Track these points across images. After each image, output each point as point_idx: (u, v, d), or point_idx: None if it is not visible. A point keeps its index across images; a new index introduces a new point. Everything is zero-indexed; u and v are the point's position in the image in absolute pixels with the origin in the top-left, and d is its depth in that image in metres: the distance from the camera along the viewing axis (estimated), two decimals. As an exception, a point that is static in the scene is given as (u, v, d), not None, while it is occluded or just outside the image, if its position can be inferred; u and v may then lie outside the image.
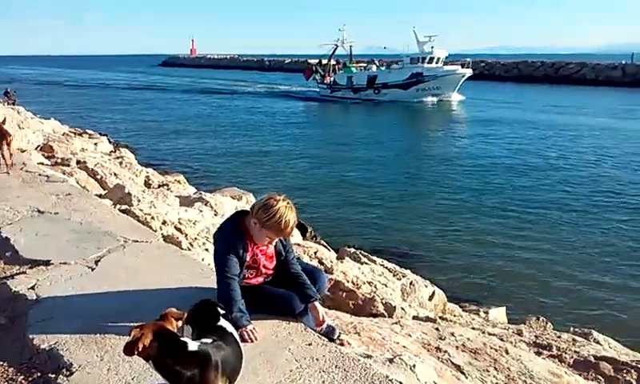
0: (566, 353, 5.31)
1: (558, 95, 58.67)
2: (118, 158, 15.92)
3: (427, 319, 6.05)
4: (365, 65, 59.72)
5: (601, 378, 4.90)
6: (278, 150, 27.37)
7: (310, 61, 66.20)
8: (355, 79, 55.82)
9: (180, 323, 2.84)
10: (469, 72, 51.44)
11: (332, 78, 58.11)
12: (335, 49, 60.90)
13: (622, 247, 13.51)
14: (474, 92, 54.77)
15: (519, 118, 39.39)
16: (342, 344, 3.95)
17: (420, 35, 53.48)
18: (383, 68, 57.14)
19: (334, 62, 60.84)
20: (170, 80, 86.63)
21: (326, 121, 43.34)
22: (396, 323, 5.17)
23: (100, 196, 8.75)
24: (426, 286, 7.46)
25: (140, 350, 2.56)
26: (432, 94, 51.12)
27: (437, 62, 52.11)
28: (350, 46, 61.54)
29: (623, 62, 77.79)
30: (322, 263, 7.00)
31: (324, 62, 61.30)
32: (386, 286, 6.84)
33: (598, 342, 6.27)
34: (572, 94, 59.59)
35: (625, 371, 4.96)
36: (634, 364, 5.15)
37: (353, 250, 8.66)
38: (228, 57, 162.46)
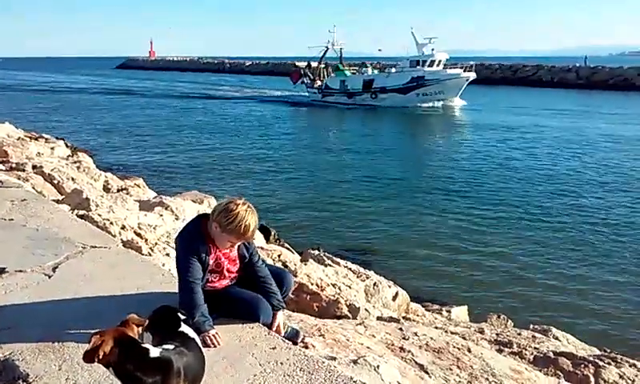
0: (526, 349, 5.42)
1: (517, 96, 59.95)
2: (75, 162, 15.56)
3: (391, 319, 6.08)
4: (356, 68, 57.31)
5: (560, 373, 5.01)
6: (244, 154, 27.07)
7: (297, 63, 63.29)
8: (349, 83, 53.51)
9: (141, 330, 2.79)
10: (472, 76, 49.44)
11: (324, 82, 55.57)
12: (326, 51, 57.80)
13: (578, 246, 13.85)
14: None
15: (483, 119, 40.17)
16: (306, 347, 3.94)
17: (419, 37, 51.65)
18: (377, 71, 55.26)
19: (323, 65, 58.14)
20: (129, 83, 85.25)
21: (311, 125, 42.08)
22: (360, 324, 5.19)
23: (57, 201, 8.53)
24: (390, 287, 7.51)
25: (100, 357, 2.50)
26: (434, 99, 49.27)
27: (438, 65, 49.98)
28: (341, 49, 58.63)
29: (577, 65, 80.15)
30: (285, 266, 6.97)
31: (313, 64, 58.47)
32: (350, 287, 6.86)
33: (557, 338, 6.42)
34: (530, 95, 60.86)
35: (583, 366, 5.08)
36: (591, 359, 5.28)
37: (317, 252, 8.66)
38: (188, 59, 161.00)
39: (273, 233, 12.33)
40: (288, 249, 10.18)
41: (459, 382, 4.32)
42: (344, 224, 15.66)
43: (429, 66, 49.34)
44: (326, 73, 57.09)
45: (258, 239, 9.84)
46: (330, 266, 7.82)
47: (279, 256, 7.96)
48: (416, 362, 4.45)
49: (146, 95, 63.02)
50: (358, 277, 7.46)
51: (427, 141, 33.41)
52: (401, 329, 5.27)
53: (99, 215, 7.19)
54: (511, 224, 15.61)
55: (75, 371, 3.27)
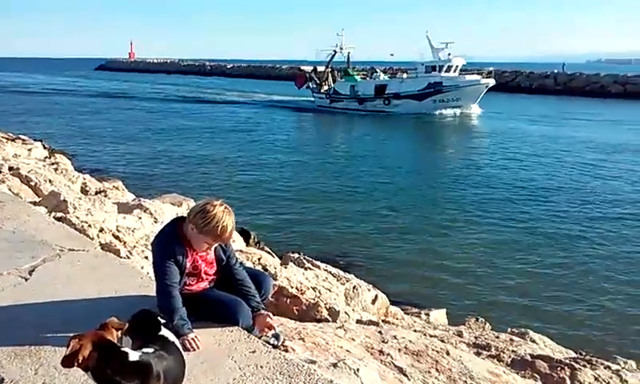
0: (504, 352, 5.46)
1: (497, 103, 60.44)
2: (53, 164, 15.37)
3: (370, 323, 6.10)
4: (365, 73, 55.18)
5: (537, 375, 5.06)
6: (226, 157, 26.85)
7: (302, 67, 62.03)
8: (360, 88, 51.05)
9: (120, 333, 2.77)
10: (491, 82, 47.57)
11: (332, 87, 53.30)
12: (334, 55, 55.29)
13: (556, 251, 14.02)
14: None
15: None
16: (286, 350, 3.94)
17: (435, 41, 49.61)
18: (387, 76, 53.15)
19: (330, 70, 55.65)
20: (109, 85, 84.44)
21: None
22: (340, 328, 5.19)
23: (34, 203, 8.42)
24: (369, 290, 7.52)
25: (80, 361, 2.48)
26: (451, 106, 47.15)
27: (454, 71, 48.12)
28: (349, 53, 56.21)
29: (555, 71, 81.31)
30: (265, 269, 6.94)
31: (319, 68, 56.55)
32: (330, 290, 6.86)
33: (534, 341, 6.49)
34: (508, 102, 61.32)
35: (559, 368, 5.14)
36: (567, 361, 5.35)
37: (297, 255, 8.64)
38: (168, 61, 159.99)
39: (252, 236, 12.29)
40: (268, 252, 10.15)
41: (438, 384, 4.35)
42: (324, 228, 15.67)
43: (446, 71, 47.57)
44: (332, 78, 54.94)
45: (238, 242, 9.80)
46: (310, 269, 7.82)
47: (259, 259, 7.93)
48: (395, 365, 4.47)
49: (126, 97, 62.31)
50: (337, 280, 7.47)
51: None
52: (380, 332, 5.29)
53: (77, 218, 7.10)
54: (490, 228, 15.75)
55: (52, 375, 3.23)
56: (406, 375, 4.33)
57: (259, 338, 3.88)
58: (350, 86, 51.80)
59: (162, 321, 3.08)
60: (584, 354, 6.52)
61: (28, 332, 3.66)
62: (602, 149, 29.93)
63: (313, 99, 55.45)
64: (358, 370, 3.77)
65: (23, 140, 20.82)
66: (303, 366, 3.46)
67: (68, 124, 37.61)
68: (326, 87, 54.15)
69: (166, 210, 9.66)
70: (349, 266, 11.73)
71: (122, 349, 2.64)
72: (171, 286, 3.66)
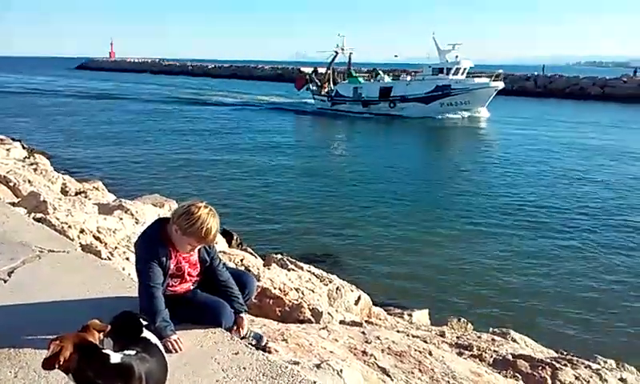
0: (485, 352, 5.51)
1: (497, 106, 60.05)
2: (32, 164, 15.19)
3: (353, 324, 6.11)
4: (366, 75, 54.11)
5: (518, 375, 5.11)
6: (209, 158, 26.65)
7: (302, 69, 59.20)
8: (364, 91, 49.65)
9: (102, 336, 2.74)
10: (501, 85, 46.65)
11: (334, 89, 51.87)
12: (335, 56, 53.95)
13: (536, 251, 14.15)
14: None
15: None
16: (269, 351, 3.92)
17: (441, 43, 48.45)
18: (390, 78, 51.64)
19: (328, 71, 54.24)
20: (89, 84, 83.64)
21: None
22: (323, 328, 5.19)
23: (13, 204, 8.32)
24: (352, 291, 7.53)
25: (60, 363, 2.44)
26: (459, 109, 45.95)
27: (462, 74, 46.88)
28: (350, 54, 54.80)
29: (535, 74, 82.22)
30: (248, 270, 6.93)
31: (320, 70, 55.09)
32: (313, 291, 6.86)
33: (515, 341, 6.55)
34: (509, 104, 60.77)
35: (540, 368, 5.19)
36: (548, 361, 5.41)
37: (280, 256, 8.63)
38: (149, 60, 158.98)
39: (235, 237, 12.24)
40: (250, 253, 10.12)
41: (421, 385, 4.37)
42: (306, 228, 15.66)
43: (454, 73, 46.29)
44: (333, 79, 53.59)
45: (220, 243, 9.76)
46: (293, 270, 7.81)
47: (242, 260, 7.91)
48: (378, 366, 4.48)
49: (108, 97, 61.58)
50: (321, 281, 7.47)
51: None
52: (363, 333, 5.30)
53: (57, 218, 7.02)
54: (470, 229, 15.85)
55: (32, 379, 3.19)
56: (389, 375, 4.35)
57: (242, 338, 3.87)
58: (353, 87, 50.48)
59: (144, 323, 3.05)
60: (565, 353, 6.59)
61: (7, 334, 3.61)
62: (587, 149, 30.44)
63: (313, 101, 54.21)
64: (341, 370, 3.77)
65: (1, 140, 20.51)
66: (286, 367, 3.45)
67: (48, 124, 37.16)
68: (326, 89, 52.90)
69: (148, 211, 9.59)
70: (332, 266, 11.74)
71: (104, 351, 2.61)
72: (154, 287, 3.64)
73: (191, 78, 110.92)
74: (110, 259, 6.22)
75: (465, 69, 46.99)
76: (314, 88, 54.32)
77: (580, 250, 14.18)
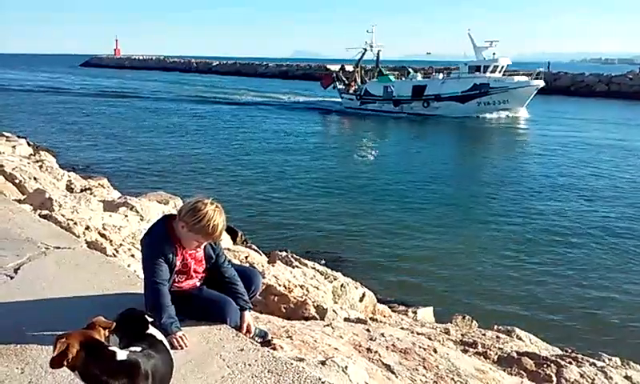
0: (490, 350, 5.50)
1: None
2: (37, 161, 15.22)
3: (358, 321, 6.11)
4: (396, 73, 52.02)
5: (523, 372, 5.10)
6: (214, 155, 26.62)
7: (329, 66, 58.25)
8: (396, 89, 47.52)
9: (107, 333, 2.75)
10: (541, 84, 44.66)
11: (363, 87, 49.94)
12: (364, 53, 51.94)
13: (542, 249, 14.11)
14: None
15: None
16: (274, 348, 3.93)
17: (477, 39, 46.37)
18: (420, 76, 49.71)
19: (352, 69, 52.72)
20: (94, 81, 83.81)
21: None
22: (328, 325, 5.20)
23: (19, 201, 8.34)
24: (357, 288, 7.54)
25: (68, 361, 2.45)
26: (498, 109, 44.04)
27: (500, 71, 44.98)
28: (379, 51, 52.46)
29: (540, 70, 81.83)
30: (253, 268, 6.94)
31: (348, 68, 53.48)
32: (318, 288, 6.87)
33: (520, 339, 6.53)
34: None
35: (545, 365, 5.18)
36: (553, 358, 5.39)
37: (284, 253, 8.64)
38: (154, 58, 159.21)
39: (240, 234, 12.25)
40: (255, 250, 10.13)
41: (425, 382, 4.37)
42: (312, 226, 15.65)
43: (491, 71, 44.55)
44: (361, 78, 51.65)
45: (225, 240, 9.78)
46: (298, 267, 7.82)
47: (246, 258, 7.94)
48: (383, 363, 4.48)
49: (114, 95, 61.55)
50: (325, 278, 7.48)
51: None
52: (368, 330, 5.30)
53: (62, 215, 7.05)
54: (475, 225, 15.84)
55: (39, 375, 3.20)
56: (393, 372, 4.35)
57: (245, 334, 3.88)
58: (384, 86, 48.47)
59: (150, 319, 3.06)
60: (570, 351, 6.57)
61: (13, 331, 3.62)
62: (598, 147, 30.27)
63: (340, 100, 52.30)
64: (346, 367, 3.78)
65: (7, 137, 20.57)
66: (291, 363, 3.46)
67: (53, 121, 37.24)
68: (353, 88, 51.20)
69: (153, 208, 9.61)
70: (337, 264, 11.74)
71: (110, 348, 2.62)
72: (160, 283, 3.64)
73: (197, 75, 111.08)
74: (115, 256, 6.25)
75: (503, 67, 45.31)
76: (342, 86, 52.46)
77: (586, 251, 14.12)
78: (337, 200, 18.56)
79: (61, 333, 2.55)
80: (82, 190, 11.97)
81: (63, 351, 2.44)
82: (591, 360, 5.59)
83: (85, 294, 4.27)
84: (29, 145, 20.75)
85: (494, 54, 45.78)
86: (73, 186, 12.40)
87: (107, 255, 6.00)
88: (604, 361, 5.87)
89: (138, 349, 2.70)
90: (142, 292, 3.80)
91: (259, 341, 3.93)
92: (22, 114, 40.22)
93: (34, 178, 10.89)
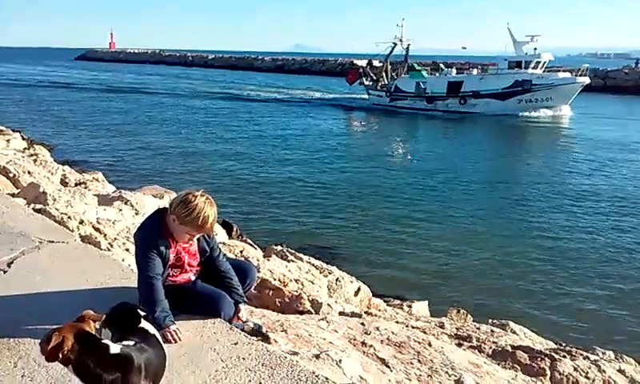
0: (485, 343, 5.51)
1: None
2: (32, 155, 15.18)
3: (353, 314, 6.12)
4: (427, 68, 50.07)
5: (517, 366, 5.11)
6: (211, 149, 26.54)
7: (355, 61, 55.73)
8: (429, 85, 45.49)
9: (98, 325, 2.74)
10: (587, 80, 42.57)
11: (393, 83, 47.88)
12: (393, 48, 49.82)
13: (536, 243, 14.16)
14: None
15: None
16: (268, 342, 3.93)
17: (517, 34, 44.40)
18: (454, 72, 48.52)
19: (379, 64, 50.79)
20: (89, 75, 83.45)
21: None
22: (322, 319, 5.20)
23: (12, 195, 8.32)
24: (352, 282, 7.54)
25: (64, 354, 2.44)
26: (540, 107, 42.17)
27: (541, 68, 42.92)
28: (408, 45, 50.15)
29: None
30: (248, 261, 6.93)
31: (375, 63, 51.37)
32: (313, 283, 6.87)
33: (514, 332, 6.55)
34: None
35: (539, 359, 5.19)
36: (547, 352, 5.41)
37: (279, 248, 8.64)
38: (149, 51, 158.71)
39: (235, 228, 12.24)
40: (250, 244, 10.13)
41: (420, 375, 4.37)
42: (307, 221, 15.65)
43: (533, 67, 42.39)
44: (387, 73, 49.85)
45: (220, 235, 9.77)
46: (293, 261, 7.82)
47: (241, 252, 7.93)
48: (378, 357, 4.49)
49: (107, 89, 61.32)
50: (320, 272, 7.48)
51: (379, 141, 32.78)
52: (363, 324, 5.30)
53: (57, 209, 7.02)
54: (469, 220, 15.87)
55: (32, 368, 3.20)
56: (388, 366, 4.35)
57: (242, 330, 3.87)
58: (416, 82, 46.20)
59: (142, 313, 3.05)
60: (564, 344, 6.59)
61: (7, 325, 3.61)
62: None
63: (367, 97, 50.45)
64: (340, 361, 3.78)
65: (1, 131, 20.50)
66: (286, 357, 3.46)
67: (48, 115, 37.10)
68: (381, 83, 49.32)
69: (147, 201, 9.59)
70: (332, 258, 11.74)
71: (103, 341, 2.61)
72: (153, 277, 3.63)
73: (194, 69, 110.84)
74: (109, 250, 6.23)
75: (544, 62, 43.29)
76: (369, 82, 50.51)
77: (580, 245, 14.18)
78: (334, 196, 18.53)
79: (54, 327, 2.54)
80: (76, 184, 11.93)
81: (59, 344, 2.43)
82: (585, 354, 5.61)
83: (78, 288, 4.26)
84: (23, 139, 20.71)
85: (535, 49, 43.72)
86: (67, 180, 12.36)
87: (101, 249, 5.98)
88: (598, 354, 5.89)
89: (131, 343, 2.69)
90: (136, 286, 3.79)
91: (253, 334, 3.93)
92: (16, 108, 40.06)
93: (28, 172, 10.85)
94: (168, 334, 3.47)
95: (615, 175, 22.51)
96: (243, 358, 3.40)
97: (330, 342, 4.47)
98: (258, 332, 3.96)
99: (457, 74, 48.45)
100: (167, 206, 3.90)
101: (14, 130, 22.13)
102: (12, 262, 4.72)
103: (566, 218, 16.22)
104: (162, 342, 2.98)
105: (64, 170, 13.16)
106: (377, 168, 23.41)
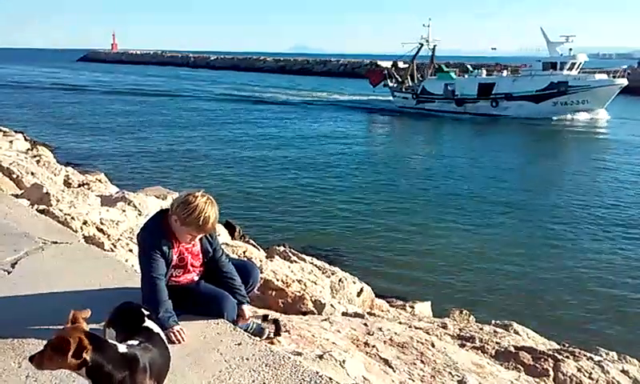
0: (488, 344, 5.50)
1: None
2: (35, 156, 15.18)
3: (356, 315, 6.12)
4: (455, 70, 49.41)
5: (520, 367, 5.11)
6: (212, 151, 26.48)
7: (379, 62, 53.82)
8: (459, 87, 44.39)
9: (101, 325, 2.74)
10: (625, 82, 41.12)
11: (420, 85, 46.79)
12: (420, 48, 48.88)
13: (540, 244, 14.15)
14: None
15: None
16: (271, 342, 3.93)
17: (550, 35, 43.02)
18: (485, 73, 47.10)
19: (404, 65, 49.54)
20: (91, 77, 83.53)
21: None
22: (325, 320, 5.20)
23: (16, 196, 8.33)
24: (355, 283, 7.54)
25: (86, 353, 2.42)
26: (576, 110, 40.69)
27: (577, 69, 41.59)
28: (434, 46, 49.24)
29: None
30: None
31: (400, 65, 50.00)
32: (316, 283, 6.86)
33: (517, 333, 6.54)
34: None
35: (542, 360, 5.19)
36: (550, 352, 5.40)
37: (282, 248, 8.64)
38: (151, 52, 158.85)
39: (238, 229, 12.25)
40: (253, 245, 10.14)
41: (423, 376, 4.37)
42: (310, 222, 15.67)
43: (568, 69, 40.95)
44: (413, 75, 48.78)
45: (223, 235, 9.77)
46: (296, 262, 7.82)
47: (244, 252, 7.92)
48: (381, 357, 4.49)
49: (109, 90, 61.23)
50: (323, 273, 7.48)
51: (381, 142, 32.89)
52: (366, 324, 5.30)
53: (60, 210, 7.03)
54: (472, 220, 15.86)
55: (35, 369, 3.19)
56: (391, 367, 4.35)
57: (244, 330, 3.87)
58: (445, 84, 45.18)
59: (146, 312, 3.05)
60: (567, 345, 6.58)
61: (10, 325, 3.62)
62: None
63: (392, 99, 49.28)
64: (343, 361, 3.78)
65: (4, 132, 20.51)
66: (289, 357, 3.46)
67: (51, 116, 37.17)
68: (405, 85, 48.29)
69: (150, 202, 9.59)
70: (334, 259, 11.76)
71: (110, 341, 2.61)
72: (157, 278, 3.64)
73: (197, 70, 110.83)
74: (112, 251, 6.24)
75: (580, 63, 41.95)
76: (394, 84, 49.39)
77: (584, 247, 14.16)
78: (336, 198, 18.52)
79: (59, 332, 2.51)
80: (79, 185, 11.94)
81: (79, 344, 2.40)
82: (588, 354, 5.60)
83: (82, 288, 4.26)
84: (26, 140, 20.71)
85: (570, 49, 42.33)
86: (70, 181, 12.37)
87: (105, 250, 5.99)
88: (601, 355, 5.88)
89: (135, 342, 2.69)
90: (140, 287, 3.79)
91: (257, 335, 3.93)
92: (19, 109, 40.12)
93: (32, 173, 10.86)
94: (172, 334, 3.48)
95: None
96: (247, 359, 3.40)
97: (333, 343, 4.47)
98: (259, 335, 3.96)
99: (487, 75, 47.09)
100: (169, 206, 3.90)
101: (16, 131, 22.11)
102: (16, 263, 4.73)
103: (572, 222, 16.19)
104: (165, 342, 2.98)
105: (67, 171, 13.17)
106: (390, 169, 23.55)
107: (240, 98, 54.20)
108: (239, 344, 3.57)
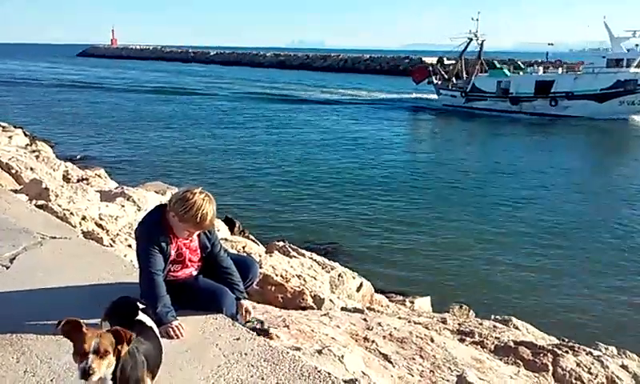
0: (487, 339, 5.50)
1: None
2: (34, 151, 15.20)
3: (355, 310, 6.11)
4: (505, 66, 46.09)
5: (520, 361, 5.10)
6: (214, 146, 26.34)
7: (424, 59, 51.96)
8: (514, 85, 41.53)
9: (100, 321, 2.75)
10: None
11: (471, 82, 43.94)
12: (468, 43, 45.91)
13: (539, 239, 14.13)
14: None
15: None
16: (270, 338, 3.93)
17: (614, 29, 39.43)
18: (542, 70, 44.06)
19: (450, 61, 47.59)
20: (91, 72, 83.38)
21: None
22: (325, 315, 5.20)
23: (15, 191, 8.32)
24: (354, 278, 7.54)
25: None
26: None
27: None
28: (483, 41, 46.05)
29: (540, 61, 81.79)
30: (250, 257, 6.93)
31: (447, 61, 47.99)
32: (315, 278, 6.86)
33: (517, 328, 6.53)
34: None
35: (542, 355, 5.18)
36: (550, 347, 5.40)
37: (282, 243, 8.63)
38: (150, 47, 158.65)
39: (237, 224, 12.25)
40: (253, 240, 10.14)
41: (422, 371, 4.37)
42: (308, 216, 15.65)
43: (636, 66, 37.62)
44: (461, 71, 46.42)
45: (222, 230, 9.77)
46: (295, 257, 7.81)
47: (244, 248, 7.93)
48: (380, 352, 4.49)
49: (108, 85, 60.94)
50: (322, 268, 7.47)
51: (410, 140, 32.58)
52: (365, 319, 5.30)
53: (59, 205, 7.03)
54: (473, 217, 15.85)
55: (34, 364, 3.20)
56: (390, 362, 4.35)
57: (243, 325, 3.87)
58: (497, 81, 42.50)
59: (141, 306, 3.05)
60: (566, 340, 6.57)
61: (9, 321, 3.61)
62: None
63: (438, 97, 46.85)
64: (342, 356, 3.78)
65: (3, 127, 20.51)
66: (288, 352, 3.46)
67: (50, 111, 37.05)
68: (452, 82, 45.87)
69: (150, 198, 9.59)
70: (334, 254, 11.76)
71: None
72: (155, 273, 3.63)
73: (196, 65, 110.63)
74: (111, 246, 6.24)
75: None
76: (439, 82, 46.85)
77: (583, 241, 14.16)
78: (335, 193, 18.50)
79: (96, 329, 2.54)
80: (78, 181, 11.93)
81: (123, 334, 2.46)
82: (588, 349, 5.60)
83: (81, 284, 4.26)
84: (25, 135, 20.71)
85: (637, 45, 39.07)
86: (69, 177, 12.37)
87: (104, 245, 5.99)
88: (600, 350, 5.88)
89: (131, 336, 2.70)
90: (138, 282, 3.79)
91: (257, 327, 3.93)
92: (19, 105, 40.02)
93: (31, 169, 10.86)
94: (170, 329, 3.47)
95: None
96: (245, 354, 3.40)
97: (333, 338, 4.47)
98: (260, 329, 3.96)
99: (544, 72, 43.99)
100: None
101: (16, 127, 22.12)
102: (14, 258, 4.72)
103: (571, 217, 16.19)
104: (158, 335, 2.99)
105: (66, 167, 13.17)
106: (405, 163, 23.50)
107: (256, 96, 51.54)
108: (238, 339, 3.57)
